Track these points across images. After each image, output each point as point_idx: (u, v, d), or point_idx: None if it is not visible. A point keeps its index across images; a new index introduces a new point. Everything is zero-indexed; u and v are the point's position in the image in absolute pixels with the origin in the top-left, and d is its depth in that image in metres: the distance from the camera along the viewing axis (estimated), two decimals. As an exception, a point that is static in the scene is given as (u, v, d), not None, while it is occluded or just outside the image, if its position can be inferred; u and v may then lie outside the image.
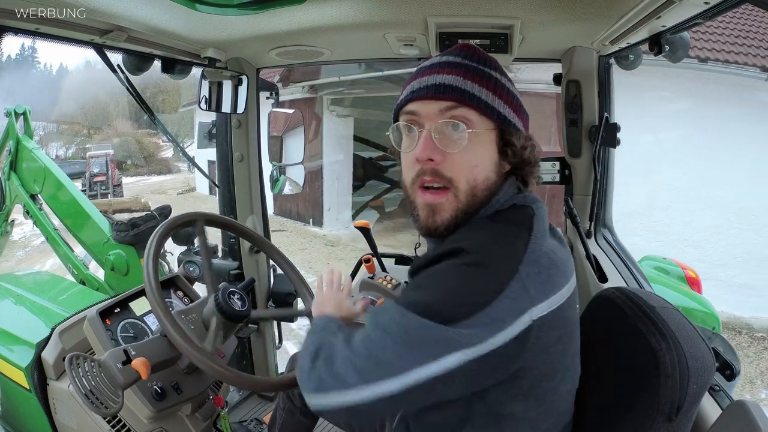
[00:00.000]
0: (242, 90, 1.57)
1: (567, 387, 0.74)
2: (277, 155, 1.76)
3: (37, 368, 1.18)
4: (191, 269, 1.76)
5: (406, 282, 1.60)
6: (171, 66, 1.47)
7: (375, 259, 1.67)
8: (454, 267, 0.64)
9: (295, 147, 1.80)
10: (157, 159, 21.41)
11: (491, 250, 0.65)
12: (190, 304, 1.15)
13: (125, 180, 16.57)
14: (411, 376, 0.60)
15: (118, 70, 1.37)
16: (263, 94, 1.79)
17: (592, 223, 1.50)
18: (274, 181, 1.80)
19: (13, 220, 2.76)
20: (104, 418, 1.10)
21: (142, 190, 15.32)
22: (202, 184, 13.87)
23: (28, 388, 1.18)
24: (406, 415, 0.79)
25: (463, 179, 0.71)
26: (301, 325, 4.01)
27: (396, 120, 0.78)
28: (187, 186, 15.83)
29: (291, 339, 3.96)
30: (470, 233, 0.71)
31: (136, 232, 2.15)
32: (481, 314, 0.60)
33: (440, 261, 0.67)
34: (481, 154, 0.72)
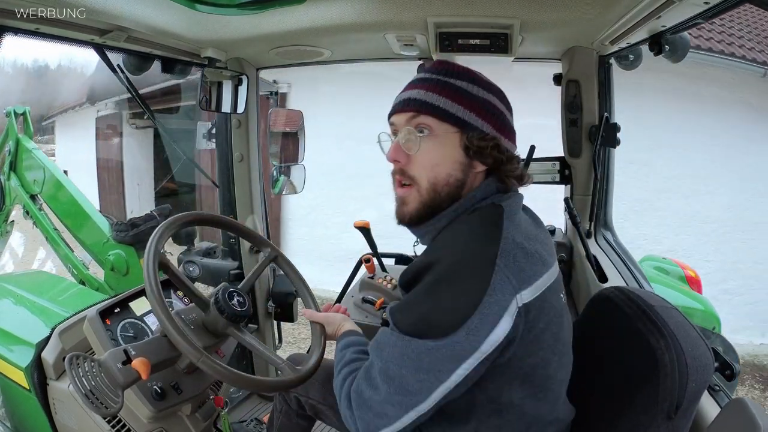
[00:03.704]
0: (242, 90, 1.58)
1: (562, 375, 0.78)
2: (276, 155, 1.77)
3: (37, 368, 1.18)
4: (191, 269, 1.76)
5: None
6: (171, 66, 1.48)
7: (375, 259, 1.67)
8: (434, 280, 0.71)
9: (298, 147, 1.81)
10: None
11: (468, 252, 0.71)
12: (190, 304, 1.15)
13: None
14: (437, 393, 0.69)
15: (118, 70, 1.37)
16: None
17: (592, 223, 1.50)
18: (274, 182, 1.80)
19: (12, 221, 2.75)
20: (104, 418, 1.09)
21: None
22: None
23: (28, 388, 1.18)
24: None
25: (424, 177, 0.80)
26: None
27: None
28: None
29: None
30: (447, 237, 0.78)
31: (136, 232, 2.16)
32: (476, 315, 0.66)
33: (421, 277, 0.74)
34: (442, 154, 0.80)
